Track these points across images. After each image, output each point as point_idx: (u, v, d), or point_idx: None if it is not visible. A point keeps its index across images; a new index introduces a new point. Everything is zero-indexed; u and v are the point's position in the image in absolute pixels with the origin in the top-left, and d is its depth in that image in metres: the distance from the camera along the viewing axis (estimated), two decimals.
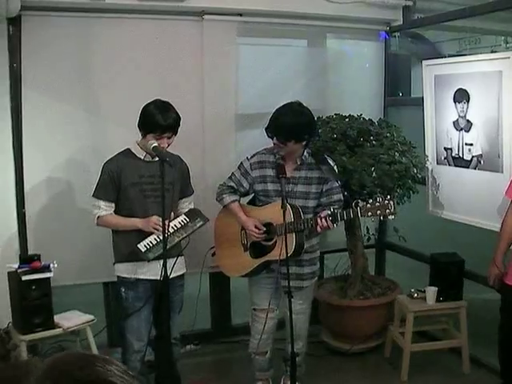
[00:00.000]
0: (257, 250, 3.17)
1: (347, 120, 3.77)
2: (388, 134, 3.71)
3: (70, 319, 3.28)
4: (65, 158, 3.57)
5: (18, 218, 3.50)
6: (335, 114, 3.86)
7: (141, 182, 2.96)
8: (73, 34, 3.50)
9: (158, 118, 2.84)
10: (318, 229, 2.96)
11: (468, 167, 3.54)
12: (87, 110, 3.59)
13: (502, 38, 5.48)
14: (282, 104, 3.10)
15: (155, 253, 2.88)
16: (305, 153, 3.13)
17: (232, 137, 3.96)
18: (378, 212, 2.89)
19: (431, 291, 3.66)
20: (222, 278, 3.92)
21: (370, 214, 2.90)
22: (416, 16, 4.33)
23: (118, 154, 3.02)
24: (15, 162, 3.47)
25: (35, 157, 3.49)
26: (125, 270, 3.01)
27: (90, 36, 3.55)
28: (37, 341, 3.26)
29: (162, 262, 2.73)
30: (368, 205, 2.91)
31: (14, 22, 3.32)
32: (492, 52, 4.69)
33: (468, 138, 3.52)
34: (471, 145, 3.51)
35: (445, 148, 3.73)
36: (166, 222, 2.71)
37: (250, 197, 3.32)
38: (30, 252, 3.44)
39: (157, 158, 2.86)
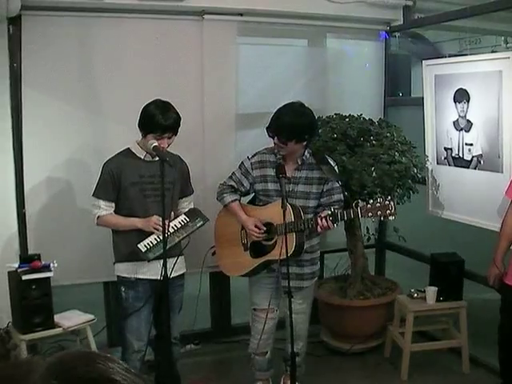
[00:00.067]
0: (257, 249, 3.17)
1: (347, 120, 3.77)
2: (388, 134, 3.70)
3: (70, 319, 3.28)
4: (65, 158, 3.58)
5: (18, 217, 3.50)
6: (335, 114, 3.86)
7: (141, 182, 2.96)
8: (73, 34, 3.50)
9: (159, 119, 2.84)
10: (319, 229, 2.96)
11: (468, 167, 3.55)
12: (87, 109, 3.59)
13: (502, 37, 5.49)
14: (282, 104, 3.10)
15: (155, 253, 2.88)
16: (305, 153, 3.13)
17: (232, 137, 3.96)
18: (379, 213, 2.89)
19: (431, 291, 3.66)
20: (221, 278, 3.92)
21: (370, 214, 2.90)
22: (416, 16, 4.33)
23: (118, 153, 3.02)
24: (15, 161, 3.47)
25: (35, 156, 3.49)
26: (125, 270, 3.01)
27: (91, 36, 3.55)
28: (37, 340, 3.26)
29: (162, 261, 2.73)
30: (368, 205, 2.91)
31: (15, 22, 3.32)
32: (492, 52, 4.69)
33: (468, 137, 3.52)
34: (471, 145, 3.51)
35: (445, 148, 3.73)
36: (166, 222, 2.71)
37: (251, 196, 3.32)
38: (30, 252, 3.44)
39: (157, 158, 2.86)
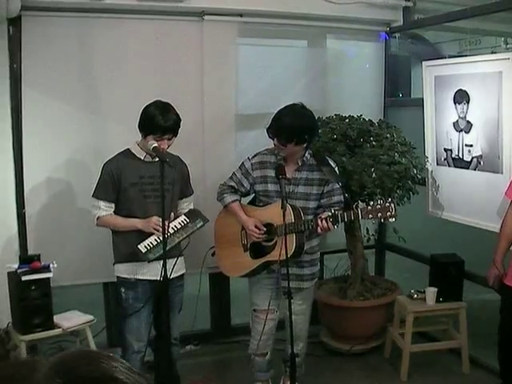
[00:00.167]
0: (257, 250, 3.17)
1: (347, 121, 3.77)
2: (388, 135, 3.70)
3: (69, 319, 3.28)
4: (65, 158, 3.58)
5: (17, 218, 3.50)
6: (335, 115, 3.86)
7: (141, 183, 2.96)
8: (73, 34, 3.50)
9: (159, 120, 2.84)
10: (319, 230, 2.96)
11: (468, 168, 3.55)
12: (87, 110, 3.59)
13: (502, 38, 5.49)
14: (282, 104, 3.10)
15: (155, 253, 2.88)
16: (306, 154, 3.13)
17: (232, 137, 3.96)
18: (379, 214, 2.89)
19: (431, 292, 3.66)
20: (221, 279, 3.92)
21: (370, 216, 2.90)
22: (416, 17, 4.33)
23: (118, 154, 3.02)
24: (15, 161, 3.47)
25: (35, 157, 3.49)
26: (125, 271, 3.01)
27: (91, 36, 3.55)
28: (36, 341, 3.26)
29: (162, 262, 2.73)
30: (369, 207, 2.91)
31: (15, 23, 3.32)
32: (492, 53, 4.69)
33: (468, 138, 3.52)
34: (471, 146, 3.51)
35: (445, 149, 3.73)
36: (166, 223, 2.71)
37: (251, 197, 3.32)
38: (30, 252, 3.44)
39: (157, 159, 2.86)
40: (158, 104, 2.90)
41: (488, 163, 3.39)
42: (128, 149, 3.01)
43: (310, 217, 3.06)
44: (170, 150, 2.98)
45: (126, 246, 2.97)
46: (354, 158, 3.56)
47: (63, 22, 3.46)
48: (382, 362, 3.92)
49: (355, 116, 3.82)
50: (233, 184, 3.22)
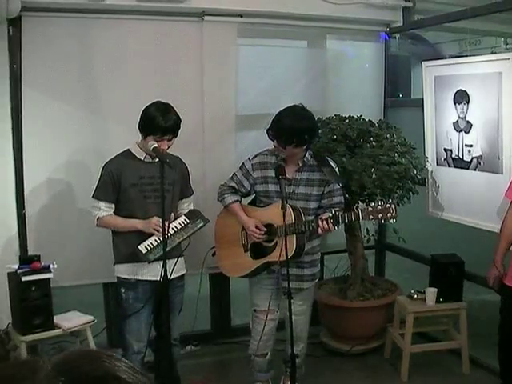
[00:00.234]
0: (257, 250, 3.17)
1: (347, 121, 3.77)
2: (388, 135, 3.70)
3: (69, 320, 3.28)
4: (65, 159, 3.58)
5: (18, 218, 3.50)
6: (335, 115, 3.86)
7: (141, 183, 2.96)
8: (73, 35, 3.50)
9: (159, 121, 2.84)
10: (319, 231, 2.96)
11: (468, 168, 3.55)
12: (87, 110, 3.59)
13: (502, 39, 5.49)
14: (282, 105, 3.10)
15: (156, 254, 2.87)
16: (307, 154, 3.13)
17: (232, 138, 3.95)
18: (380, 216, 2.89)
19: (431, 292, 3.66)
20: (221, 279, 3.92)
21: (371, 217, 2.90)
22: (416, 17, 4.33)
23: (118, 154, 3.02)
24: (15, 162, 3.47)
25: (35, 157, 3.49)
26: (125, 271, 3.01)
27: (90, 36, 3.55)
28: (36, 341, 3.26)
29: (162, 262, 2.73)
30: (369, 208, 2.91)
31: (15, 23, 3.32)
32: (492, 53, 4.70)
33: (468, 139, 3.52)
34: (471, 146, 3.51)
35: (445, 149, 3.73)
36: (167, 223, 2.71)
37: (251, 197, 3.32)
38: (30, 253, 3.44)
39: (157, 159, 2.86)
40: (159, 105, 2.90)
41: (488, 163, 3.39)
42: (128, 149, 3.01)
43: (311, 217, 3.06)
44: (170, 151, 2.98)
45: (126, 247, 2.97)
46: (354, 159, 3.56)
47: (63, 22, 3.46)
48: (382, 363, 3.92)
49: (355, 116, 3.82)
50: (233, 184, 3.22)
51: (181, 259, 3.05)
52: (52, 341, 3.33)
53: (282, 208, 2.87)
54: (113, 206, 2.98)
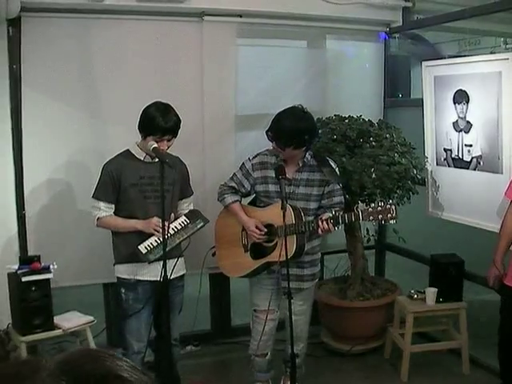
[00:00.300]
0: (257, 251, 3.17)
1: (347, 121, 3.77)
2: (388, 135, 3.71)
3: (69, 320, 3.28)
4: (65, 159, 3.58)
5: (18, 218, 3.50)
6: (335, 115, 3.86)
7: (140, 183, 2.96)
8: (73, 35, 3.50)
9: (159, 121, 2.84)
10: (319, 231, 2.96)
11: (468, 168, 3.55)
12: (87, 110, 3.59)
13: (502, 39, 5.49)
14: (282, 105, 3.10)
15: (156, 254, 2.88)
16: (307, 155, 3.13)
17: (232, 138, 3.95)
18: (380, 216, 2.88)
19: (431, 292, 3.66)
20: (221, 279, 3.92)
21: (371, 217, 2.90)
22: (415, 17, 4.33)
23: (118, 155, 3.02)
24: (15, 162, 3.47)
25: (35, 158, 3.49)
26: (125, 271, 3.01)
27: (90, 37, 3.55)
28: (36, 342, 3.26)
29: (162, 263, 2.73)
30: (370, 209, 2.91)
31: (14, 23, 3.32)
32: (491, 53, 4.69)
33: (468, 139, 3.52)
34: (471, 146, 3.51)
35: (444, 149, 3.73)
36: (167, 224, 2.71)
37: (251, 197, 3.32)
38: (30, 253, 3.44)
39: (156, 159, 2.86)
40: (159, 105, 2.90)
41: (488, 163, 3.39)
42: (128, 149, 3.01)
43: (311, 218, 3.06)
44: (169, 151, 2.98)
45: (126, 247, 2.97)
46: (354, 159, 3.56)
47: (63, 22, 3.46)
48: (382, 363, 3.92)
49: (355, 116, 3.82)
50: (233, 184, 3.22)
51: (181, 259, 3.05)
52: (52, 341, 3.34)
53: (282, 208, 2.87)
54: (113, 206, 2.98)
